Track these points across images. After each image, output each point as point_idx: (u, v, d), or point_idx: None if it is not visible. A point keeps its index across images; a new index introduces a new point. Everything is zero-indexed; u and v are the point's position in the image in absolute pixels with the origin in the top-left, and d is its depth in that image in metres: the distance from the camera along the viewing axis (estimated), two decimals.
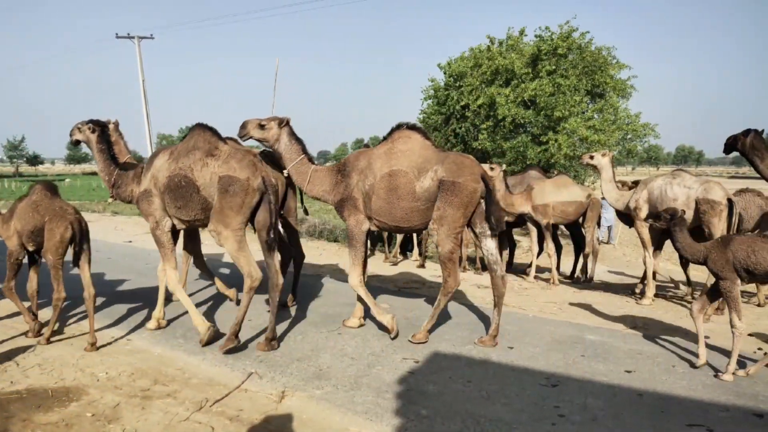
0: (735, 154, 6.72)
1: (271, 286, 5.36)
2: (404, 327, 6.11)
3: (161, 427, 3.83)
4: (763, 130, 6.30)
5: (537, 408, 4.13)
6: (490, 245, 5.54)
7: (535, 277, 8.94)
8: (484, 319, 6.42)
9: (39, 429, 3.77)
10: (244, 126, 5.80)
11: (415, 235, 10.74)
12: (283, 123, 5.76)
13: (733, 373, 4.68)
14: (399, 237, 11.02)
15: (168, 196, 5.52)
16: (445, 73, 21.32)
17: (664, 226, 5.09)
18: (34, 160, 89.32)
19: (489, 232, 5.49)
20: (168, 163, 5.58)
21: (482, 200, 5.42)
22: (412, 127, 5.66)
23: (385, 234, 10.40)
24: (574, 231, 9.44)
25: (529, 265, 9.27)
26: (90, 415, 3.96)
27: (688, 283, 7.89)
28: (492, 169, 8.58)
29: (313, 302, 7.23)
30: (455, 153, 5.64)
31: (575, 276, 9.41)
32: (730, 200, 6.70)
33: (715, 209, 6.59)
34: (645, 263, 7.54)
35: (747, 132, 6.31)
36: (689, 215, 6.79)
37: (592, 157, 7.71)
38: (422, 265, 10.03)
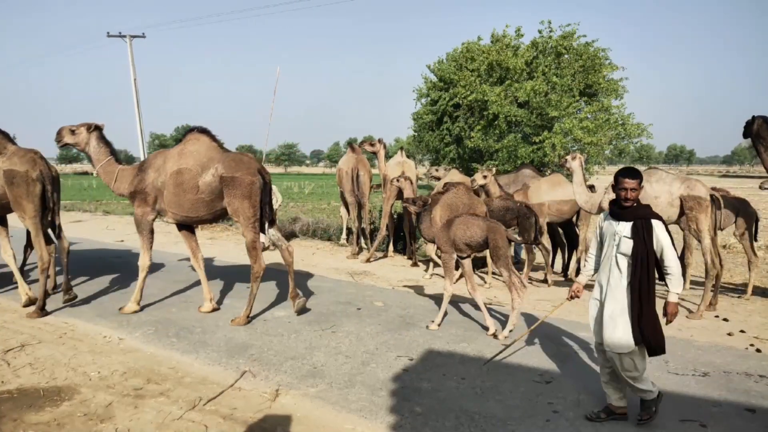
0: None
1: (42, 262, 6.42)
2: (398, 325, 6.12)
3: (154, 425, 3.81)
4: None
5: (531, 404, 4.15)
6: (271, 230, 6.47)
7: (529, 279, 8.93)
8: (478, 317, 6.43)
9: (30, 429, 3.74)
10: (59, 132, 6.62)
11: (408, 235, 10.76)
12: (92, 128, 6.55)
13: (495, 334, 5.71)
14: (391, 236, 11.04)
15: None
16: (435, 75, 21.35)
17: (417, 211, 6.14)
18: None
19: (268, 219, 6.34)
20: None
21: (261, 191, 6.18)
22: (201, 131, 6.40)
23: (383, 233, 10.39)
24: (567, 229, 9.46)
25: (522, 265, 9.27)
26: (82, 415, 3.94)
27: None
28: (485, 177, 8.54)
29: (307, 301, 7.21)
30: (235, 152, 6.37)
31: (568, 274, 9.43)
32: (712, 196, 6.83)
33: (702, 205, 6.67)
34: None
35: (753, 119, 6.46)
36: (674, 212, 6.84)
37: (564, 161, 7.74)
38: (416, 264, 10.04)
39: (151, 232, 6.52)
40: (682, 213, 6.83)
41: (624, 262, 3.74)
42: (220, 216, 6.41)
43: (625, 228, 3.73)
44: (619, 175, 3.81)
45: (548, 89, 16.79)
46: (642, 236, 3.64)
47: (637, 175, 3.77)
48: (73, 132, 6.54)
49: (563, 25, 17.92)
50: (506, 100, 17.11)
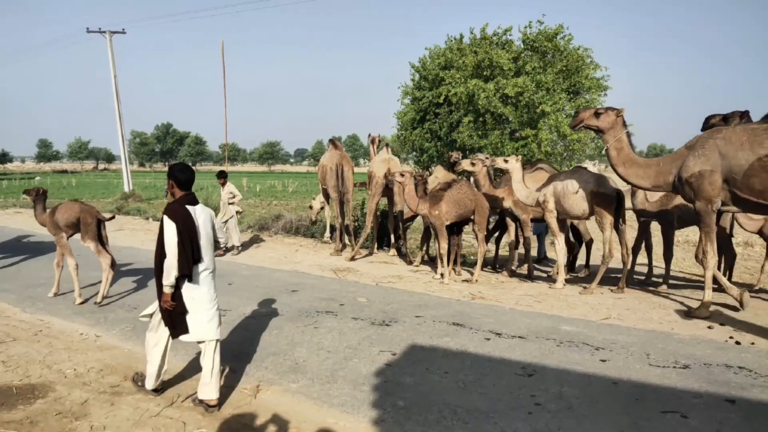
0: None
1: None
2: (381, 320, 6.08)
3: (131, 423, 3.73)
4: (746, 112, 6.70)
5: (513, 397, 4.13)
6: None
7: (511, 273, 8.93)
8: (462, 312, 6.42)
9: (2, 427, 3.64)
10: None
11: (391, 230, 10.76)
12: None
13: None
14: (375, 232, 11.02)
15: None
16: (419, 73, 21.31)
17: (33, 199, 7.05)
18: (3, 158, 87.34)
19: None
20: None
21: None
22: None
23: (368, 230, 10.35)
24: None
25: (508, 260, 9.30)
26: (56, 413, 3.84)
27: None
28: (473, 164, 8.55)
29: (290, 297, 7.15)
30: None
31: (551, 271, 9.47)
32: (618, 192, 7.50)
33: (607, 201, 7.37)
34: (556, 249, 8.00)
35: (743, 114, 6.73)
36: (585, 206, 7.46)
37: (506, 161, 8.12)
38: (410, 262, 9.96)
39: None
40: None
41: None
42: None
43: None
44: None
45: (534, 87, 16.88)
46: (160, 232, 3.90)
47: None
48: None
49: (555, 27, 18.04)
50: (496, 95, 17.14)
